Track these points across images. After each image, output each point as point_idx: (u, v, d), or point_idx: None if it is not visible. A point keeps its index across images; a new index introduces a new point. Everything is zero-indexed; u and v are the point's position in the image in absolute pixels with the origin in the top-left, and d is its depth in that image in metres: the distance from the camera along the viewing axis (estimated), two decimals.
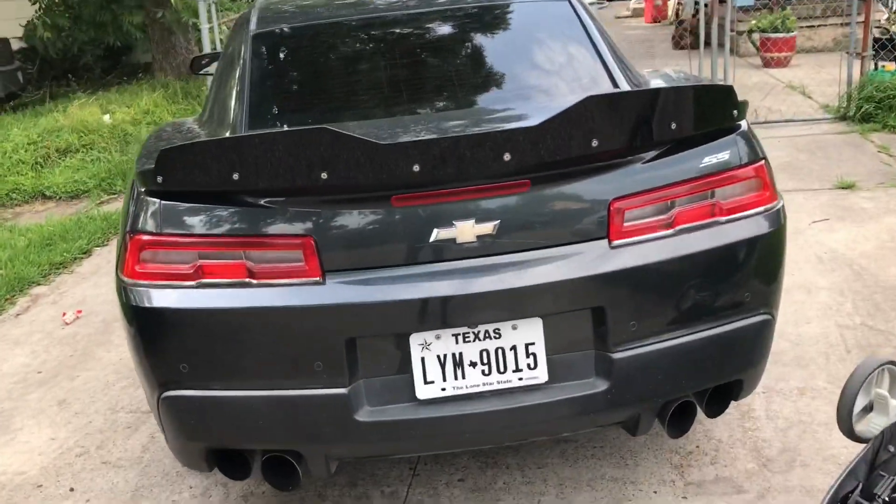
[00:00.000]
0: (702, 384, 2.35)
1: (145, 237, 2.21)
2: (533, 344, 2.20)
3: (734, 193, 2.31)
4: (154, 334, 2.23)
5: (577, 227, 2.19)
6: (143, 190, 2.25)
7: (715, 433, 2.98)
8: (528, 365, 2.21)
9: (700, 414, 2.46)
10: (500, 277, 2.14)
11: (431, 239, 2.12)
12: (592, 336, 2.23)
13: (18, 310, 4.82)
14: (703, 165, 2.26)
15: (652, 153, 2.23)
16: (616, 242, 2.19)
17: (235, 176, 2.08)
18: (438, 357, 2.18)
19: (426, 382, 2.19)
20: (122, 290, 2.25)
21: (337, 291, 2.13)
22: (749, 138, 2.36)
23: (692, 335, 2.27)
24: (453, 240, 2.13)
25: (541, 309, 2.17)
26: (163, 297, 2.19)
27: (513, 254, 2.16)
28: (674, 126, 2.16)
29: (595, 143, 2.09)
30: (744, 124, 2.38)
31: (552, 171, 2.15)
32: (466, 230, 2.13)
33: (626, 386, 2.24)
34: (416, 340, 2.17)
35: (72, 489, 3.01)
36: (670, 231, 2.23)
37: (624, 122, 2.11)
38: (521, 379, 2.21)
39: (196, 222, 2.18)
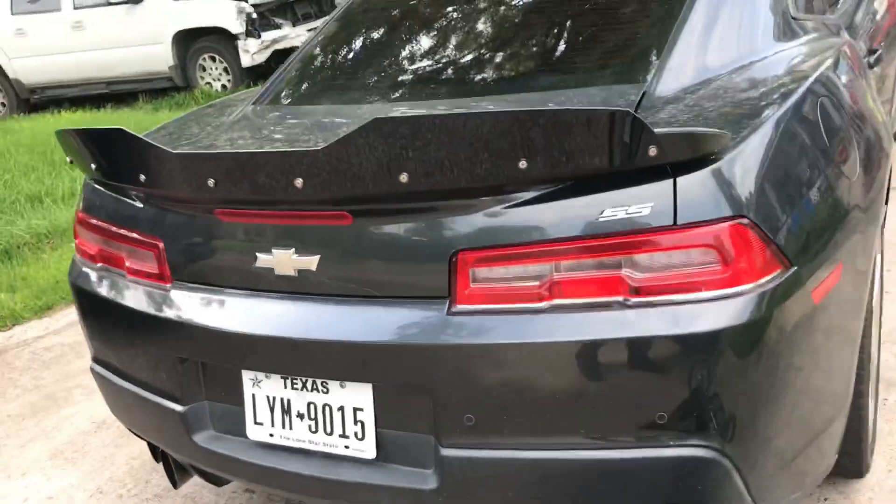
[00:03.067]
0: None
1: (78, 214, 2.26)
2: (361, 410, 1.78)
3: (661, 266, 1.54)
4: (82, 311, 2.29)
5: (411, 280, 1.67)
6: None
7: None
8: (356, 434, 1.80)
9: None
10: (319, 325, 1.75)
11: (255, 265, 1.81)
12: (432, 420, 1.72)
13: None
14: (603, 220, 1.54)
15: (526, 195, 1.58)
16: (458, 308, 1.63)
17: (94, 166, 2.00)
18: (268, 398, 1.89)
19: (256, 423, 1.92)
20: (71, 263, 2.35)
21: (173, 304, 1.95)
22: (708, 187, 1.53)
23: (559, 452, 1.62)
24: (272, 270, 1.79)
25: (367, 373, 1.73)
26: (81, 276, 2.23)
27: (337, 299, 1.75)
28: (523, 164, 1.49)
29: (405, 177, 1.55)
30: (720, 164, 1.55)
31: (377, 204, 1.66)
32: (284, 260, 1.77)
33: (461, 492, 1.70)
34: (247, 374, 1.90)
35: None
36: (540, 305, 1.59)
37: (439, 152, 1.52)
38: (347, 448, 1.81)
39: (98, 207, 2.16)
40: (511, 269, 1.60)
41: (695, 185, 1.53)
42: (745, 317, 1.52)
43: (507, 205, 1.59)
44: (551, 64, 2.19)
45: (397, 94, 2.31)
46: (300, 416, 1.85)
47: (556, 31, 2.30)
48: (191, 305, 1.92)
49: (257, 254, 1.80)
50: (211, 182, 1.73)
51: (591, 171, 1.51)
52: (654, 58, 2.01)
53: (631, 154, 1.47)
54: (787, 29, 2.28)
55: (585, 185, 1.55)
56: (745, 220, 1.53)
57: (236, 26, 9.97)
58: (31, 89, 11.32)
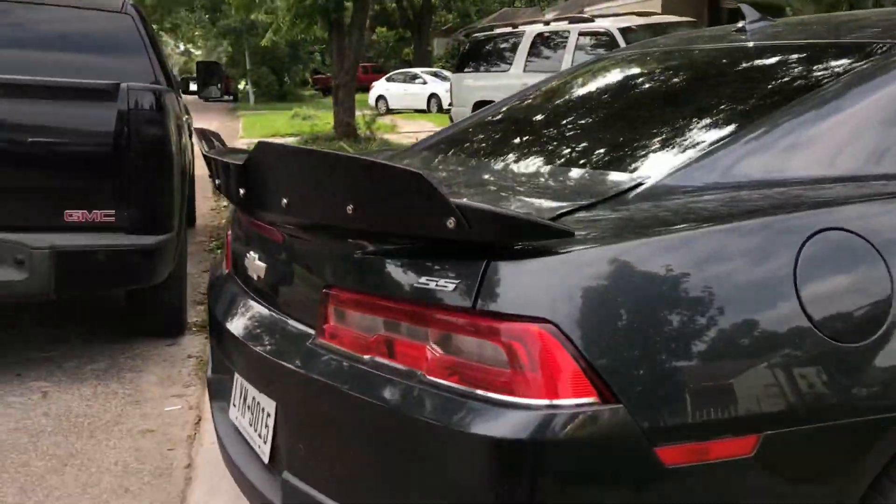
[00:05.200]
0: None
1: None
2: (269, 416, 1.90)
3: (455, 349, 1.42)
4: None
5: (298, 303, 1.86)
6: None
7: None
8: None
9: None
10: (251, 336, 1.96)
11: (247, 262, 2.07)
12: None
13: None
14: (418, 287, 1.45)
15: (376, 245, 1.57)
16: (320, 342, 1.67)
17: None
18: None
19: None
20: None
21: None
22: (520, 278, 1.37)
23: None
24: (248, 270, 2.04)
25: (271, 386, 1.86)
26: None
27: (271, 304, 1.94)
28: (350, 209, 1.47)
29: (285, 201, 1.66)
30: (549, 259, 1.37)
31: (282, 226, 1.89)
32: (255, 265, 2.01)
33: None
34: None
35: None
36: (364, 357, 1.57)
37: (295, 186, 1.66)
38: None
39: None
40: (355, 315, 1.61)
41: (507, 273, 1.37)
42: (520, 434, 1.30)
43: (363, 251, 1.59)
44: (602, 143, 2.06)
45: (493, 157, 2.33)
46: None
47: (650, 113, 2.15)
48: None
49: (252, 252, 2.04)
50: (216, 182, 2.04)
51: (404, 233, 1.46)
52: (692, 152, 1.72)
53: (428, 222, 1.37)
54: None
55: (415, 248, 1.49)
56: (550, 327, 1.32)
57: None
58: None
